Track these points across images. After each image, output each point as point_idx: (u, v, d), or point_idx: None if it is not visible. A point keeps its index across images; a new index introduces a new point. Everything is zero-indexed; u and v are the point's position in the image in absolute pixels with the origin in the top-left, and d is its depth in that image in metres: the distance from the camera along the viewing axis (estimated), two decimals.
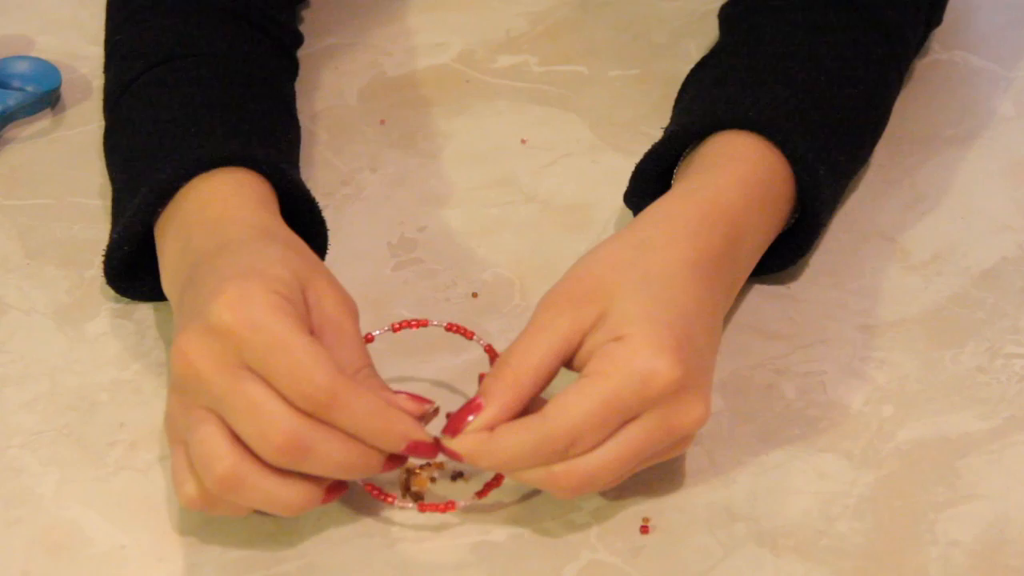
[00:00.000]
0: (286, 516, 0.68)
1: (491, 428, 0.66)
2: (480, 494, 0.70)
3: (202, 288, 0.67)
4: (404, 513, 0.71)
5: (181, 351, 0.65)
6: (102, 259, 0.78)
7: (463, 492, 0.72)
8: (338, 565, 0.70)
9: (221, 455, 0.64)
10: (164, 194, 0.75)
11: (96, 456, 0.74)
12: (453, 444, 0.67)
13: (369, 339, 0.72)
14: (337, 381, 0.64)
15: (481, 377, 0.68)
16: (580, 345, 0.68)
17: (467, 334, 0.73)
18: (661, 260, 0.70)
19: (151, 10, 0.87)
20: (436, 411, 0.68)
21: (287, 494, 0.66)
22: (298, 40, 0.94)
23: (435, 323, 0.73)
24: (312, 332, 0.67)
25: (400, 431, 0.66)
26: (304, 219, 0.78)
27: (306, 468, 0.65)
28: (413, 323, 0.73)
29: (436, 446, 0.67)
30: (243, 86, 0.84)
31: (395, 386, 0.68)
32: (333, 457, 0.65)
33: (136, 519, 0.72)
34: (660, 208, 0.74)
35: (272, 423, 0.64)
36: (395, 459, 0.67)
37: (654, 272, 0.69)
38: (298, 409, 0.64)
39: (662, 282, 0.69)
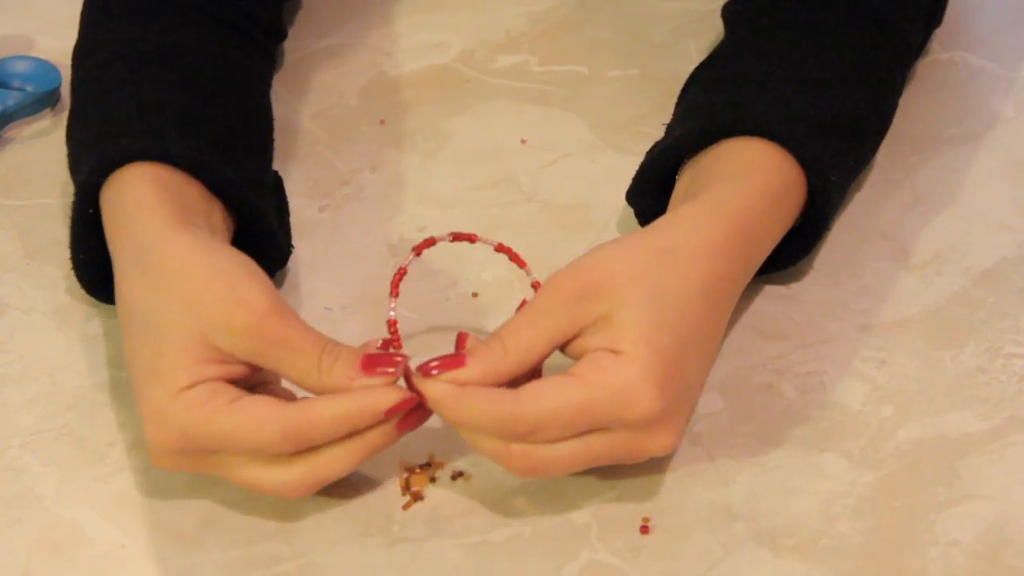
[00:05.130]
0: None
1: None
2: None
3: (139, 355, 0.69)
4: (404, 513, 0.71)
5: (154, 448, 0.68)
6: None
7: (463, 492, 0.72)
8: (338, 565, 0.70)
9: (274, 487, 0.68)
10: (87, 193, 0.75)
11: (96, 456, 0.74)
12: (423, 386, 0.67)
13: (392, 323, 0.72)
14: (288, 425, 0.66)
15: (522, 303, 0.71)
16: (576, 337, 0.68)
17: (521, 263, 0.75)
18: (678, 277, 0.69)
19: (119, 8, 0.86)
20: (406, 359, 0.68)
21: (347, 455, 0.68)
22: (277, 35, 0.93)
23: (440, 236, 0.74)
24: (253, 355, 0.68)
25: (372, 413, 0.67)
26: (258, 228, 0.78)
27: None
28: (429, 241, 0.74)
29: (414, 401, 0.67)
30: (194, 83, 0.81)
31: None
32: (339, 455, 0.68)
33: (136, 519, 0.72)
34: (689, 217, 0.73)
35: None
36: (409, 421, 0.68)
37: (667, 289, 0.69)
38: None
39: (672, 302, 0.68)
